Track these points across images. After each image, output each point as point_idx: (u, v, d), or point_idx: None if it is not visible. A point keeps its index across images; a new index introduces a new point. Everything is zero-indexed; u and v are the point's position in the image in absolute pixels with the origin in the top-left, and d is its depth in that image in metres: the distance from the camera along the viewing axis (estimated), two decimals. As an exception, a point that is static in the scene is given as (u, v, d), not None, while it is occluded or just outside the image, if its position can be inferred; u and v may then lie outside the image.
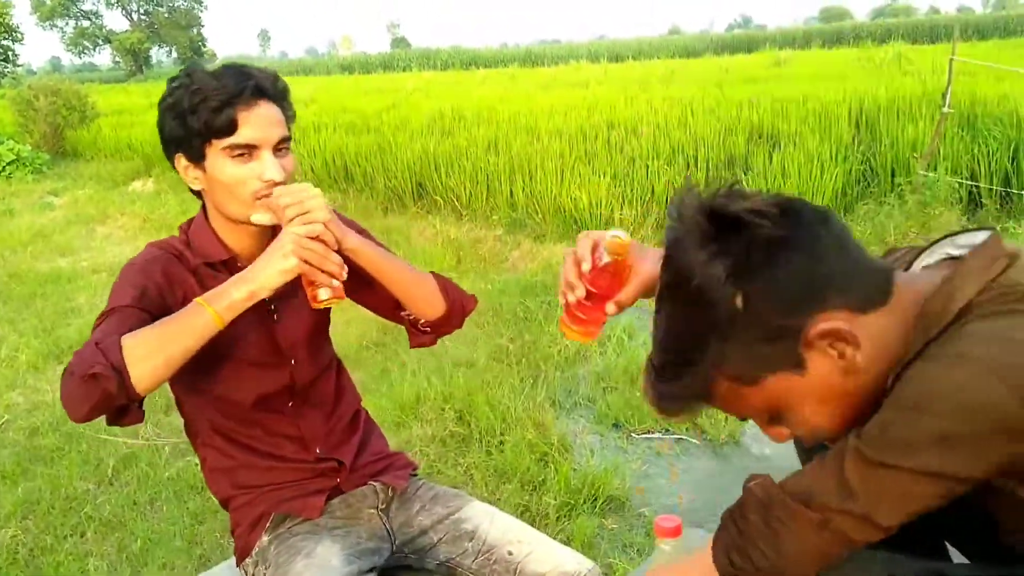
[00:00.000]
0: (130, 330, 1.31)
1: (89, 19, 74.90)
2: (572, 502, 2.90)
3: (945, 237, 1.10)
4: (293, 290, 1.57)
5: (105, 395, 1.23)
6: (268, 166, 1.43)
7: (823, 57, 19.97)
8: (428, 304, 1.62)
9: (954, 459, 0.90)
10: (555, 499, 2.90)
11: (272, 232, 1.52)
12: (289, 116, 1.50)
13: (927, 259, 1.10)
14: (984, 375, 0.88)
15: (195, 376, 1.51)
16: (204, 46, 77.51)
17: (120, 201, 9.85)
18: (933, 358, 0.93)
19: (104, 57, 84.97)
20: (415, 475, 1.75)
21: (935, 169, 5.80)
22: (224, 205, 1.47)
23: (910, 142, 6.51)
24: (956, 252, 1.06)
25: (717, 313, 0.95)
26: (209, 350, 1.45)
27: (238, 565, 1.64)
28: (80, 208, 9.70)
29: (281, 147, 1.46)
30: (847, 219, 5.72)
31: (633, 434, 3.46)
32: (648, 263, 1.27)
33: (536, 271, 5.71)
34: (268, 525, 1.59)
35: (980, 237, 1.03)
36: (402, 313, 1.65)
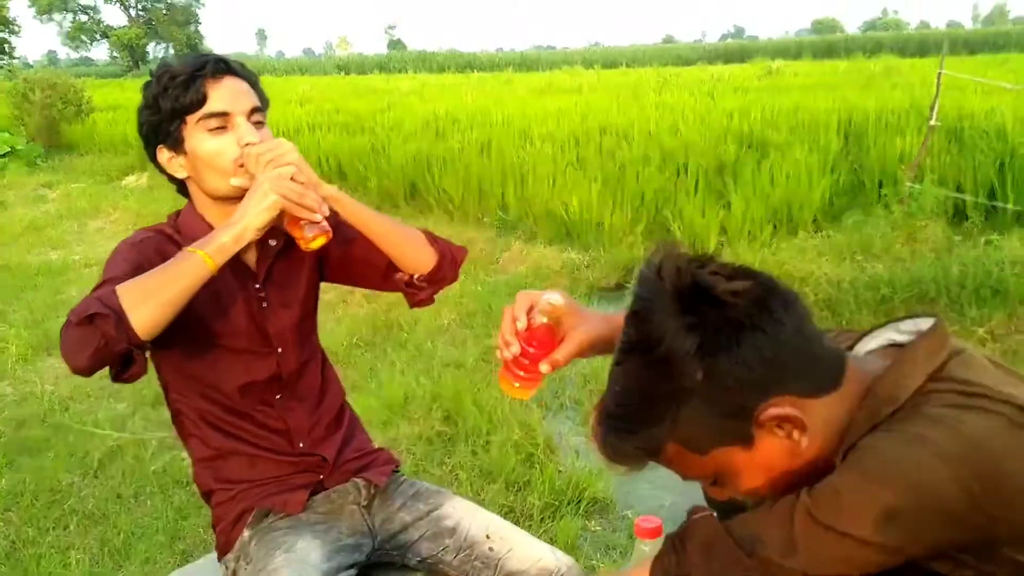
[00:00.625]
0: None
1: (87, 13, 74.63)
2: (556, 503, 2.93)
3: (888, 323, 1.13)
4: (283, 277, 1.61)
5: (105, 338, 1.22)
6: (244, 131, 1.45)
7: (814, 68, 20.09)
8: (418, 256, 1.62)
9: (898, 534, 0.93)
10: (540, 500, 2.92)
11: None
12: (260, 94, 1.53)
13: (871, 343, 1.13)
14: (938, 461, 0.91)
15: (182, 362, 1.53)
16: (201, 43, 77.27)
17: (113, 196, 9.84)
18: (893, 433, 0.96)
19: (101, 52, 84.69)
20: (397, 472, 1.75)
21: (922, 181, 5.85)
22: (208, 181, 1.49)
23: (897, 154, 6.57)
24: (900, 338, 1.09)
25: (679, 382, 0.97)
26: (196, 335, 1.47)
27: (220, 560, 1.64)
28: (73, 202, 9.69)
29: (255, 118, 1.48)
30: (833, 229, 5.76)
31: (617, 437, 3.48)
32: (586, 326, 1.29)
33: (526, 273, 5.74)
34: (250, 520, 1.59)
35: (924, 324, 1.07)
36: (395, 276, 1.65)
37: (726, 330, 0.96)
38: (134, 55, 70.76)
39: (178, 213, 1.59)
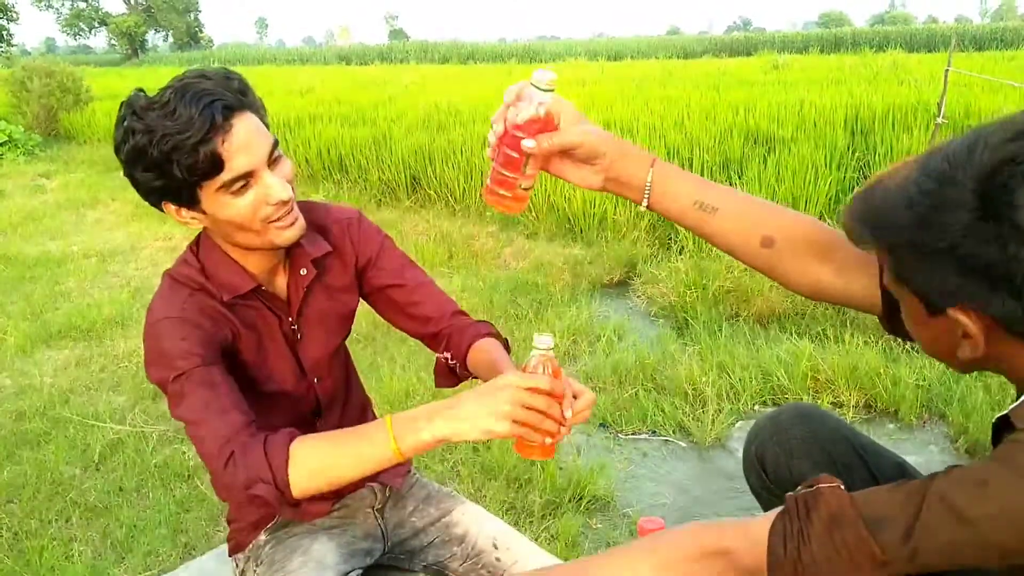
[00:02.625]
0: (228, 389, 1.26)
1: (85, 0, 74.54)
2: (557, 501, 2.91)
3: None
4: (317, 306, 1.53)
5: (263, 506, 1.20)
6: (273, 187, 1.30)
7: (821, 63, 19.99)
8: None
9: None
10: (540, 497, 2.91)
11: (286, 251, 1.45)
12: (261, 114, 1.35)
13: None
14: None
15: None
16: (201, 32, 77.30)
17: (112, 186, 9.80)
18: None
19: (100, 40, 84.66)
20: (409, 472, 1.76)
21: (927, 179, 5.83)
22: (236, 238, 1.36)
23: (904, 151, 6.54)
24: None
25: (924, 236, 0.97)
26: (242, 379, 1.38)
27: (230, 555, 1.64)
28: (71, 192, 9.65)
29: (274, 156, 1.33)
30: (838, 227, 5.74)
31: (620, 435, 3.47)
32: (586, 126, 1.25)
33: (528, 269, 5.72)
34: (269, 526, 1.60)
35: None
36: (442, 355, 1.59)
37: (992, 239, 0.93)
38: (133, 43, 70.78)
39: (198, 244, 1.45)
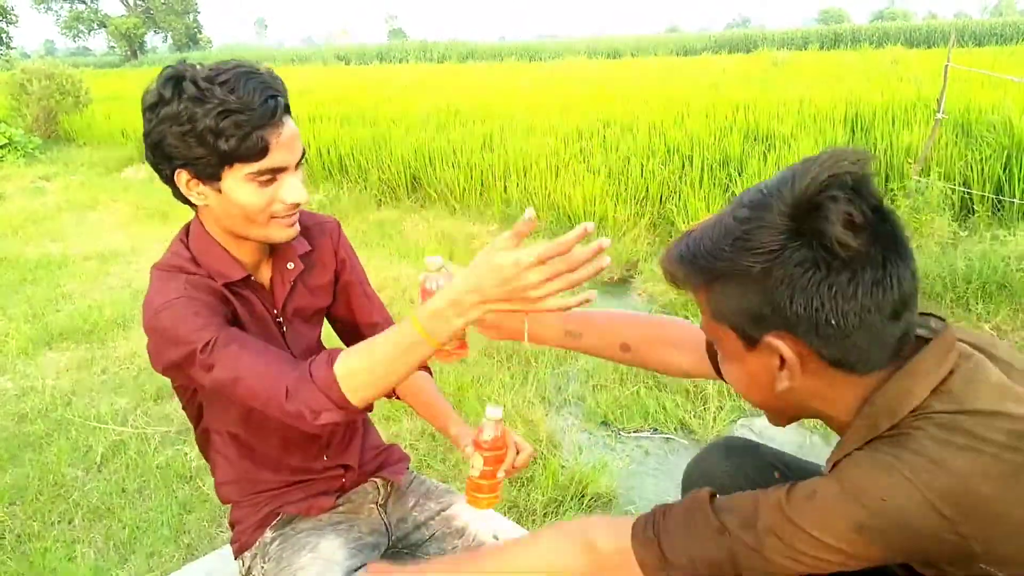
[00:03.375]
0: (256, 343, 1.30)
1: (84, 2, 74.62)
2: (559, 499, 2.91)
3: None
4: (302, 297, 1.57)
5: (334, 427, 1.28)
6: (292, 189, 1.35)
7: (820, 59, 20.00)
8: None
9: (864, 545, 1.00)
10: (543, 495, 2.91)
11: (272, 246, 1.49)
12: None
13: None
14: (914, 490, 0.96)
15: (219, 398, 1.51)
16: (200, 33, 77.31)
17: (112, 188, 9.82)
18: (879, 454, 1.01)
19: (99, 41, 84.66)
20: (409, 468, 1.78)
21: (928, 175, 5.82)
22: (235, 225, 1.39)
23: (904, 147, 6.53)
24: (921, 332, 1.12)
25: (737, 263, 1.03)
26: None
27: (236, 557, 1.65)
28: (72, 194, 9.66)
29: (299, 163, 1.39)
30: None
31: (622, 433, 3.47)
32: None
33: (529, 267, 5.71)
34: (274, 523, 1.61)
35: (937, 327, 1.12)
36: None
37: (805, 258, 0.99)
38: (132, 45, 70.79)
39: (187, 233, 1.47)
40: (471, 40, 59.65)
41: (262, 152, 1.29)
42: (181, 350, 1.30)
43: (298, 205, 1.38)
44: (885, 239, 1.01)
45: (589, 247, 1.14)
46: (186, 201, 1.40)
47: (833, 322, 1.00)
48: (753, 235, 1.02)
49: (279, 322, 1.53)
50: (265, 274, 1.53)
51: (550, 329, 1.52)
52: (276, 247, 1.51)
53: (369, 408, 1.28)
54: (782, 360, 1.06)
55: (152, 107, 1.31)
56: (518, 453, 1.59)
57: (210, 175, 1.32)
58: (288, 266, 1.53)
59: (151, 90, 1.31)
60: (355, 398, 1.21)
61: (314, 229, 1.62)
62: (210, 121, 1.25)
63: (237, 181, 1.32)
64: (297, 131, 1.36)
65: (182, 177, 1.34)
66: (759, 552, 1.05)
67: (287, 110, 1.34)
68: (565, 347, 1.54)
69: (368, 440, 1.75)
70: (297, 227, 1.42)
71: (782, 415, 1.18)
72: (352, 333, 1.70)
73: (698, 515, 1.12)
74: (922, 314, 1.13)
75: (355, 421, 1.73)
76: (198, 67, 1.31)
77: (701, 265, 1.08)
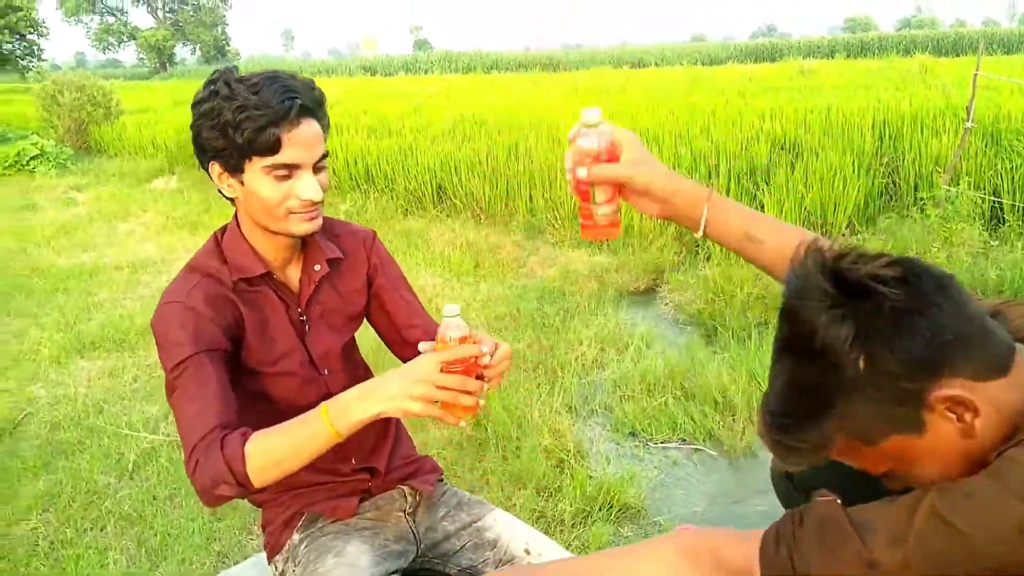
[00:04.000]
0: (215, 383, 1.35)
1: (114, 15, 75.67)
2: (588, 509, 2.91)
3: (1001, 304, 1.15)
4: (327, 300, 1.61)
5: (233, 498, 1.30)
6: (307, 186, 1.43)
7: (847, 68, 19.89)
8: None
9: (1022, 546, 0.92)
10: (571, 506, 2.91)
11: (303, 247, 1.56)
12: (326, 127, 1.49)
13: None
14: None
15: (236, 385, 1.53)
16: (228, 45, 78.14)
17: (143, 198, 9.93)
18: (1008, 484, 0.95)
19: (128, 54, 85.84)
20: (441, 480, 1.78)
21: (958, 184, 5.77)
22: (259, 217, 1.48)
23: (933, 156, 6.47)
24: None
25: (841, 373, 0.98)
26: (249, 359, 1.50)
27: (269, 561, 1.67)
28: (103, 204, 9.78)
29: (320, 164, 1.46)
30: (869, 232, 5.70)
31: (650, 443, 3.46)
32: (636, 162, 1.31)
33: (554, 277, 5.72)
34: (300, 524, 1.63)
35: None
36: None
37: (880, 315, 0.96)
38: (161, 57, 71.65)
39: (224, 231, 1.57)
40: (495, 50, 59.84)
41: (275, 147, 1.39)
42: (163, 361, 1.40)
43: (315, 203, 1.45)
44: (901, 260, 1.01)
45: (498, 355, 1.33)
46: (227, 197, 1.51)
47: (951, 336, 0.97)
48: (828, 345, 0.98)
49: (302, 320, 1.58)
50: (294, 275, 1.59)
51: (728, 231, 1.37)
52: (307, 249, 1.58)
53: (261, 490, 1.32)
54: (955, 411, 0.99)
55: (195, 104, 1.44)
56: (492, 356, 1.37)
57: (235, 167, 1.43)
58: (315, 267, 1.59)
59: (198, 90, 1.45)
60: (256, 477, 1.27)
61: (347, 238, 1.67)
62: (230, 116, 1.38)
63: (256, 174, 1.42)
64: (318, 133, 1.45)
65: (215, 169, 1.46)
66: (907, 568, 0.98)
67: (308, 113, 1.42)
68: (741, 254, 1.38)
69: (399, 449, 1.76)
70: (316, 224, 1.48)
71: (974, 462, 1.05)
72: (394, 338, 1.72)
73: (834, 531, 1.03)
74: (1005, 303, 1.14)
75: (387, 426, 1.74)
76: (235, 71, 1.44)
77: (815, 415, 1.03)
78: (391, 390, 1.25)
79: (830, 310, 0.98)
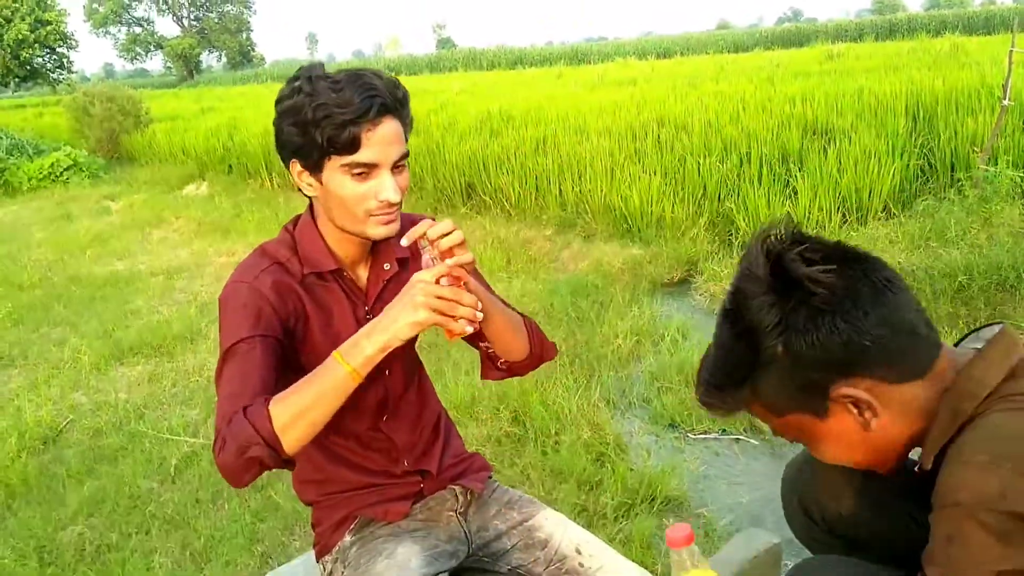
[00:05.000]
0: (259, 368, 1.35)
1: (141, 25, 76.61)
2: (630, 502, 2.88)
3: (969, 333, 1.22)
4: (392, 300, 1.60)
5: (260, 464, 1.27)
6: (387, 187, 1.41)
7: (877, 50, 19.57)
8: (516, 347, 1.61)
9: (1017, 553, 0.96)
10: (612, 499, 2.89)
11: (372, 246, 1.55)
12: (407, 126, 1.47)
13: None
14: (1017, 477, 0.96)
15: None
16: (253, 50, 78.82)
17: (175, 205, 10.04)
18: (966, 463, 1.01)
19: (156, 63, 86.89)
20: (491, 478, 1.76)
21: (995, 163, 5.65)
22: (337, 217, 1.47)
23: (969, 136, 6.35)
24: (980, 345, 1.14)
25: (760, 355, 1.10)
26: (310, 358, 1.47)
27: (318, 560, 1.67)
28: (136, 212, 9.90)
29: (399, 164, 1.44)
30: (905, 216, 5.60)
31: (689, 434, 3.43)
32: None
33: (587, 271, 5.69)
34: (352, 527, 1.62)
35: (995, 330, 1.15)
36: (483, 344, 1.63)
37: (806, 312, 1.06)
38: (188, 65, 72.50)
39: (296, 222, 1.57)
40: (519, 46, 59.76)
41: (353, 146, 1.38)
42: (221, 337, 1.40)
43: (393, 204, 1.43)
44: (854, 258, 1.09)
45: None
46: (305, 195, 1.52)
47: (868, 342, 1.05)
48: (754, 326, 1.08)
49: (369, 319, 1.55)
50: (362, 273, 1.58)
51: None
52: (376, 248, 1.57)
53: (292, 462, 1.30)
54: (857, 406, 1.09)
55: (278, 101, 1.44)
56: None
57: (314, 166, 1.43)
58: (384, 267, 1.58)
59: (282, 87, 1.45)
60: (285, 434, 1.26)
61: (408, 228, 1.63)
62: (311, 114, 1.37)
63: (334, 173, 1.41)
64: (398, 132, 1.43)
65: (295, 167, 1.45)
66: None
67: (389, 112, 1.40)
68: None
69: (449, 448, 1.75)
70: (395, 226, 1.46)
71: (887, 461, 1.18)
72: (473, 339, 1.65)
73: None
74: (974, 330, 1.20)
75: (436, 426, 1.73)
76: (319, 68, 1.44)
77: (733, 381, 1.14)
78: (395, 315, 1.29)
79: (763, 295, 1.08)
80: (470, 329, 1.32)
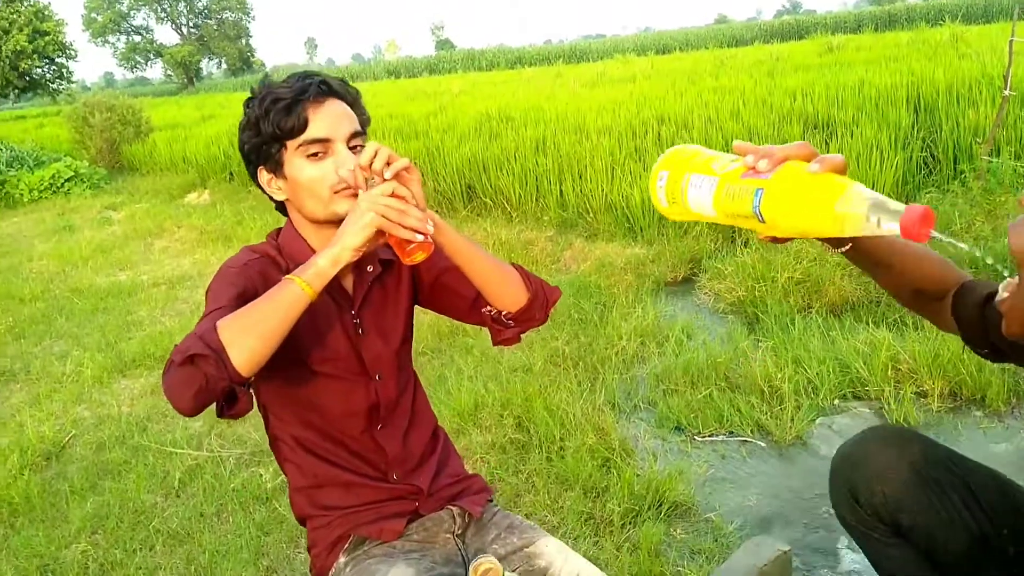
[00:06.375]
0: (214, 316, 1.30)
1: (140, 34, 76.81)
2: (636, 508, 2.85)
3: None
4: (379, 303, 1.59)
5: (206, 378, 1.19)
6: (343, 158, 1.44)
7: (876, 41, 19.52)
8: (510, 292, 1.56)
9: None
10: (619, 506, 2.85)
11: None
12: (363, 118, 1.52)
13: None
14: None
15: (282, 388, 1.53)
16: (253, 56, 78.97)
17: (176, 214, 10.02)
18: None
19: (156, 71, 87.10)
20: (491, 501, 1.74)
21: (999, 154, 5.62)
22: (307, 206, 1.48)
23: (972, 127, 6.31)
24: None
25: None
26: (296, 361, 1.47)
27: None
28: (138, 222, 9.88)
29: (354, 143, 1.47)
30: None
31: (696, 437, 3.39)
32: None
33: (589, 271, 5.66)
34: (346, 547, 1.60)
35: None
36: (483, 309, 1.61)
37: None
38: (188, 72, 72.69)
39: (278, 232, 1.59)
40: (517, 46, 59.69)
41: (303, 125, 1.43)
42: (205, 309, 1.38)
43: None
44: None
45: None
46: (279, 208, 1.57)
47: None
48: None
49: (356, 324, 1.57)
50: (348, 280, 1.58)
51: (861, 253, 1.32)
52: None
53: (243, 379, 1.24)
54: None
55: (239, 126, 1.51)
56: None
57: (276, 163, 1.47)
58: (368, 268, 1.58)
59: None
60: (233, 345, 1.21)
61: None
62: (259, 109, 1.44)
63: (293, 160, 1.45)
64: (346, 110, 1.48)
65: (263, 176, 1.51)
66: None
67: (333, 93, 1.47)
68: (873, 276, 1.37)
69: (446, 467, 1.72)
70: None
71: None
72: (465, 308, 1.66)
73: None
74: None
75: (433, 443, 1.70)
76: (267, 78, 1.51)
77: None
78: (343, 228, 1.32)
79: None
80: (420, 238, 1.32)
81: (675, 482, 2.96)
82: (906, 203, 0.98)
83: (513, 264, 1.61)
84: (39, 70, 45.55)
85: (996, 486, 1.48)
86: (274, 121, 1.42)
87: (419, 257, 1.34)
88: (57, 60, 46.43)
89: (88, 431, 4.05)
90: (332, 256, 1.29)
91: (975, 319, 1.28)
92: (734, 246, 5.66)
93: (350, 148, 1.46)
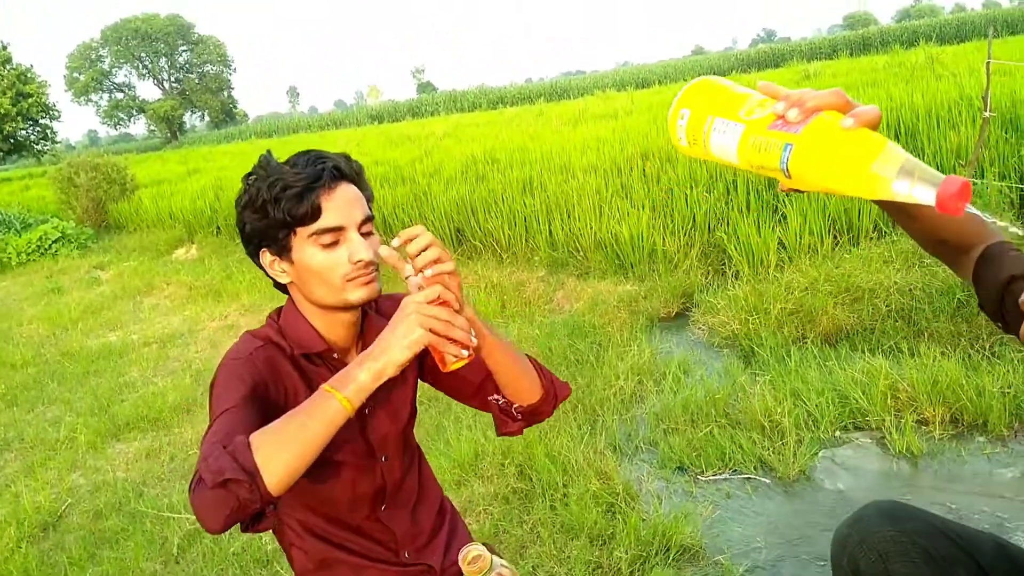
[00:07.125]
0: (248, 427, 1.24)
1: (122, 91, 77.25)
2: (644, 555, 2.81)
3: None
4: (386, 382, 1.54)
5: (239, 501, 1.14)
6: (357, 247, 1.40)
7: (853, 66, 19.76)
8: (526, 387, 1.53)
9: None
10: (626, 553, 2.82)
11: (362, 320, 1.52)
12: (368, 196, 1.47)
13: None
14: None
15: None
16: (235, 107, 79.40)
17: (165, 271, 9.99)
18: None
19: (139, 127, 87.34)
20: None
21: (982, 176, 5.66)
22: (314, 293, 1.44)
23: (953, 149, 6.37)
24: None
25: None
26: None
27: None
28: (126, 281, 9.84)
29: (365, 227, 1.43)
30: (894, 235, 5.59)
31: (699, 477, 3.36)
32: None
33: (583, 310, 5.65)
34: None
35: None
36: (491, 398, 1.58)
37: None
38: (171, 126, 73.02)
39: (279, 313, 1.54)
40: (499, 85, 60.22)
41: (315, 213, 1.37)
42: (212, 409, 1.34)
43: (367, 264, 1.41)
44: None
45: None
46: (279, 286, 1.51)
47: None
48: None
49: (362, 406, 1.49)
50: (352, 358, 1.52)
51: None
52: (365, 329, 1.53)
53: (275, 500, 1.19)
54: None
55: (238, 200, 1.44)
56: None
57: (283, 247, 1.41)
58: None
59: (240, 189, 1.45)
60: (266, 466, 1.15)
61: (392, 309, 1.58)
62: (267, 193, 1.37)
63: (303, 247, 1.40)
64: (357, 195, 1.43)
65: (266, 257, 1.45)
66: None
67: (344, 177, 1.42)
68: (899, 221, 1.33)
69: (455, 540, 1.69)
70: (376, 286, 1.45)
71: None
72: (470, 392, 1.63)
73: None
74: None
75: (441, 518, 1.67)
76: (271, 156, 1.44)
77: None
78: (389, 339, 1.24)
79: None
80: (465, 354, 1.27)
81: (682, 525, 2.92)
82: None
83: (529, 357, 1.58)
84: (23, 132, 45.64)
85: (1000, 556, 1.46)
86: (285, 208, 1.36)
87: (457, 366, 1.29)
88: (41, 121, 46.55)
89: (84, 499, 3.99)
90: (375, 371, 1.23)
91: (994, 296, 1.25)
92: (724, 279, 5.67)
93: (362, 232, 1.42)
